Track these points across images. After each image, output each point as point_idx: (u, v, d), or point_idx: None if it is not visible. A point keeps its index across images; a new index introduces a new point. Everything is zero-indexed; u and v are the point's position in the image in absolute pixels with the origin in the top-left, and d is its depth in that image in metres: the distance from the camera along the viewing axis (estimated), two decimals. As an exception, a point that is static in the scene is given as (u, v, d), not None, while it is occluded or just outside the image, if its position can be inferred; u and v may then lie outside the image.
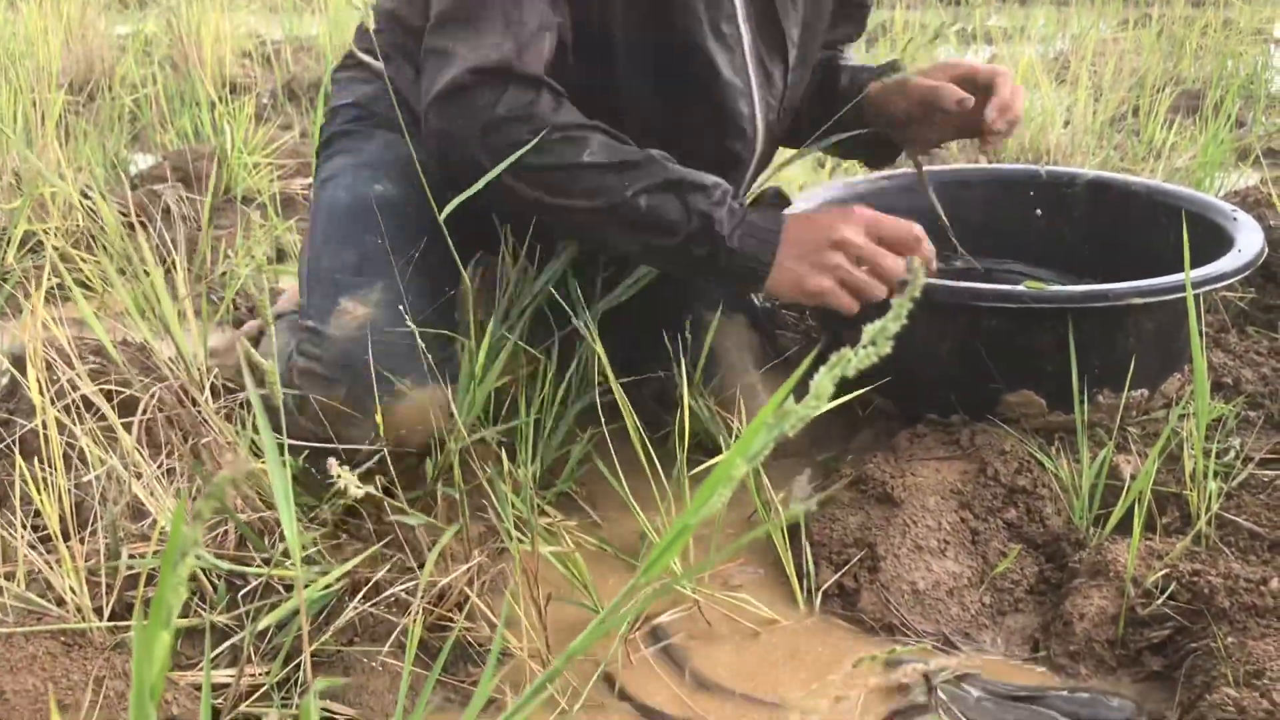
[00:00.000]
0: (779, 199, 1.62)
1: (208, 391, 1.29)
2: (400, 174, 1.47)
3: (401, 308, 1.36)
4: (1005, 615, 1.33)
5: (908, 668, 1.20)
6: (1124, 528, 1.40)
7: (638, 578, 0.47)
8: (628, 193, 1.31)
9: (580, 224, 1.36)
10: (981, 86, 1.53)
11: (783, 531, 1.41)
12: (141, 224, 2.47)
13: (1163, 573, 1.25)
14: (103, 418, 1.27)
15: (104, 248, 2.07)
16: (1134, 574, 1.26)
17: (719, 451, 1.58)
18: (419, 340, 1.33)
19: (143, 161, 2.99)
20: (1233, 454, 1.56)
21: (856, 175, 2.03)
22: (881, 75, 1.64)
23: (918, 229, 1.41)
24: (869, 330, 0.43)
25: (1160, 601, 1.23)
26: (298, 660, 1.07)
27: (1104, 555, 1.31)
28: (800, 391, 0.45)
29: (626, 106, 1.44)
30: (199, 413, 1.24)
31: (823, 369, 0.44)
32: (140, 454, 1.20)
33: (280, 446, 0.69)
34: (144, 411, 1.26)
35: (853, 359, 0.43)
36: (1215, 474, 1.51)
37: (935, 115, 1.55)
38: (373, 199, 1.45)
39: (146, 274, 1.51)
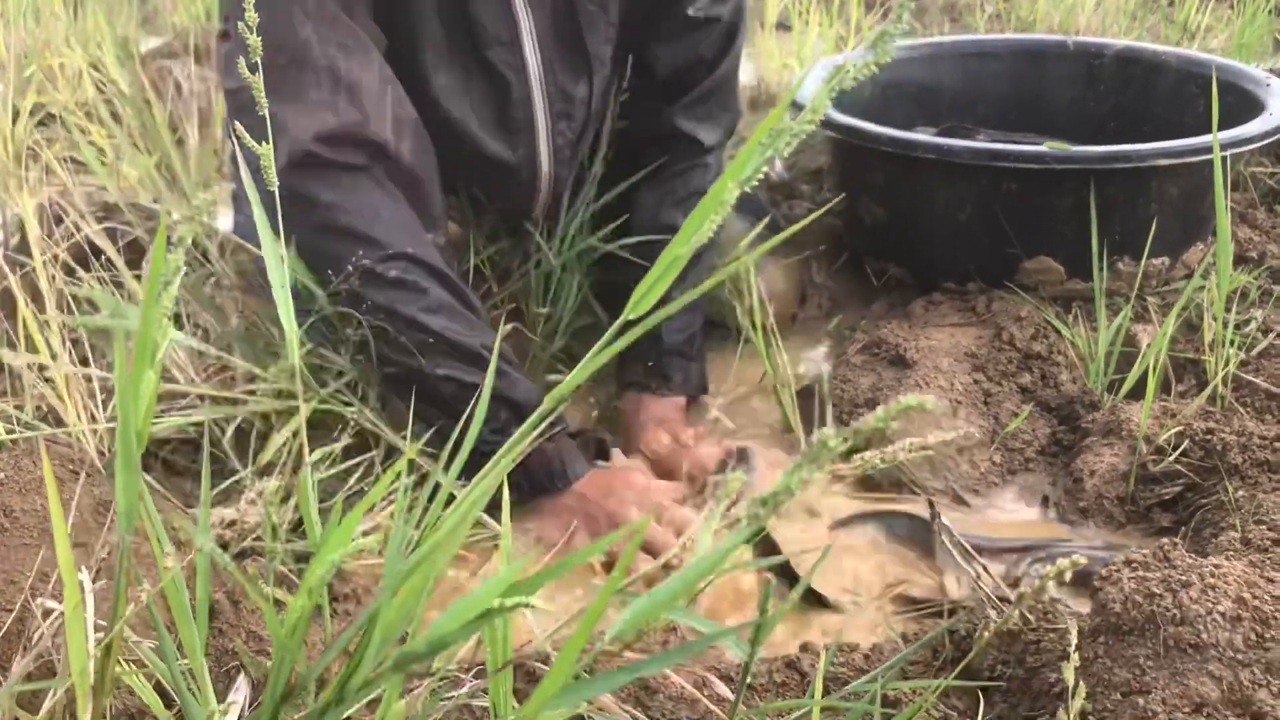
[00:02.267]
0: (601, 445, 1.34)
1: (217, 243, 1.28)
2: None
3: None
4: (1016, 474, 1.32)
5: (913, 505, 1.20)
6: (1139, 393, 1.39)
7: (626, 313, 0.46)
8: (440, 371, 1.15)
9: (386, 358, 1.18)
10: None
11: (791, 393, 1.41)
12: (152, 99, 2.45)
13: (1175, 430, 1.24)
14: (111, 264, 1.27)
15: (114, 116, 2.05)
16: (1147, 433, 1.25)
17: (724, 327, 1.57)
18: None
19: (154, 44, 2.94)
20: (1254, 324, 1.54)
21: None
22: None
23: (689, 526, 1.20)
24: (869, 34, 0.40)
25: (1172, 459, 1.22)
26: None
27: (1117, 415, 1.30)
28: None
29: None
30: (204, 256, 1.23)
31: (820, 87, 0.41)
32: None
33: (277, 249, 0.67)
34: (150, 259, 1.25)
35: (851, 70, 0.40)
36: (1235, 343, 1.49)
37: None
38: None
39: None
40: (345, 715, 0.52)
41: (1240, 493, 1.15)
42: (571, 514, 1.19)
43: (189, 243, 0.44)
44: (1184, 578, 0.73)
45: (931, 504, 0.92)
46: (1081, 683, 0.72)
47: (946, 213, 1.54)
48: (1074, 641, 0.70)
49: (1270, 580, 0.73)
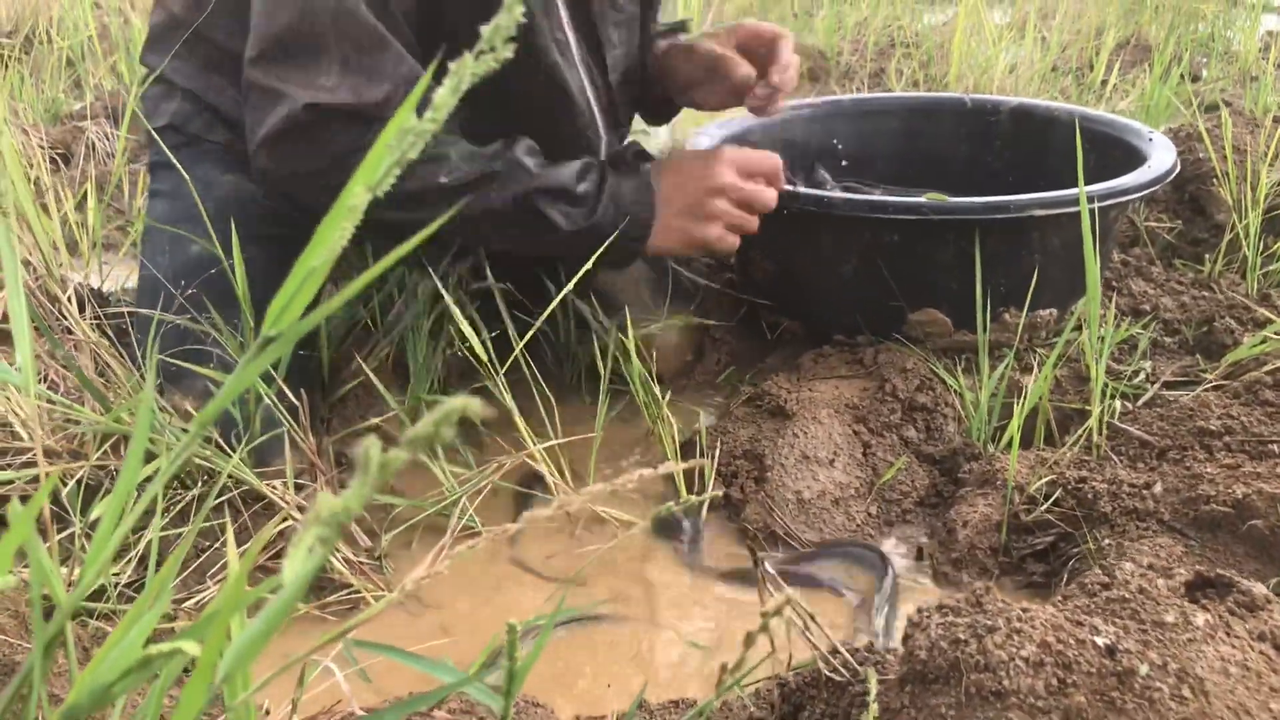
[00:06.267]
0: (638, 156, 1.45)
1: (71, 290, 1.25)
2: (222, 220, 1.32)
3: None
4: (893, 525, 1.30)
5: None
6: (1026, 443, 1.38)
7: (267, 321, 0.43)
8: (495, 203, 1.29)
9: (454, 231, 1.28)
10: (766, 45, 1.51)
11: (675, 445, 1.38)
12: (63, 158, 2.43)
13: (1048, 479, 1.23)
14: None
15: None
16: (1020, 482, 1.24)
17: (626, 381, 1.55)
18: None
19: (78, 106, 2.93)
20: (1143, 375, 1.54)
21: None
22: (669, 34, 1.60)
23: (776, 158, 1.43)
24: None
25: (1044, 508, 1.21)
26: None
27: (993, 465, 1.29)
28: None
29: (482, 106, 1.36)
30: (58, 309, 1.20)
31: (441, 87, 0.39)
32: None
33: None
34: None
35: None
36: (1123, 394, 1.48)
37: (718, 82, 1.52)
38: (191, 264, 1.34)
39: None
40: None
41: (1107, 540, 1.14)
42: (676, 220, 1.37)
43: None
44: (990, 623, 0.70)
45: (752, 550, 0.89)
46: (880, 733, 0.69)
47: (831, 266, 1.54)
48: (873, 691, 0.68)
49: (1078, 624, 0.70)
